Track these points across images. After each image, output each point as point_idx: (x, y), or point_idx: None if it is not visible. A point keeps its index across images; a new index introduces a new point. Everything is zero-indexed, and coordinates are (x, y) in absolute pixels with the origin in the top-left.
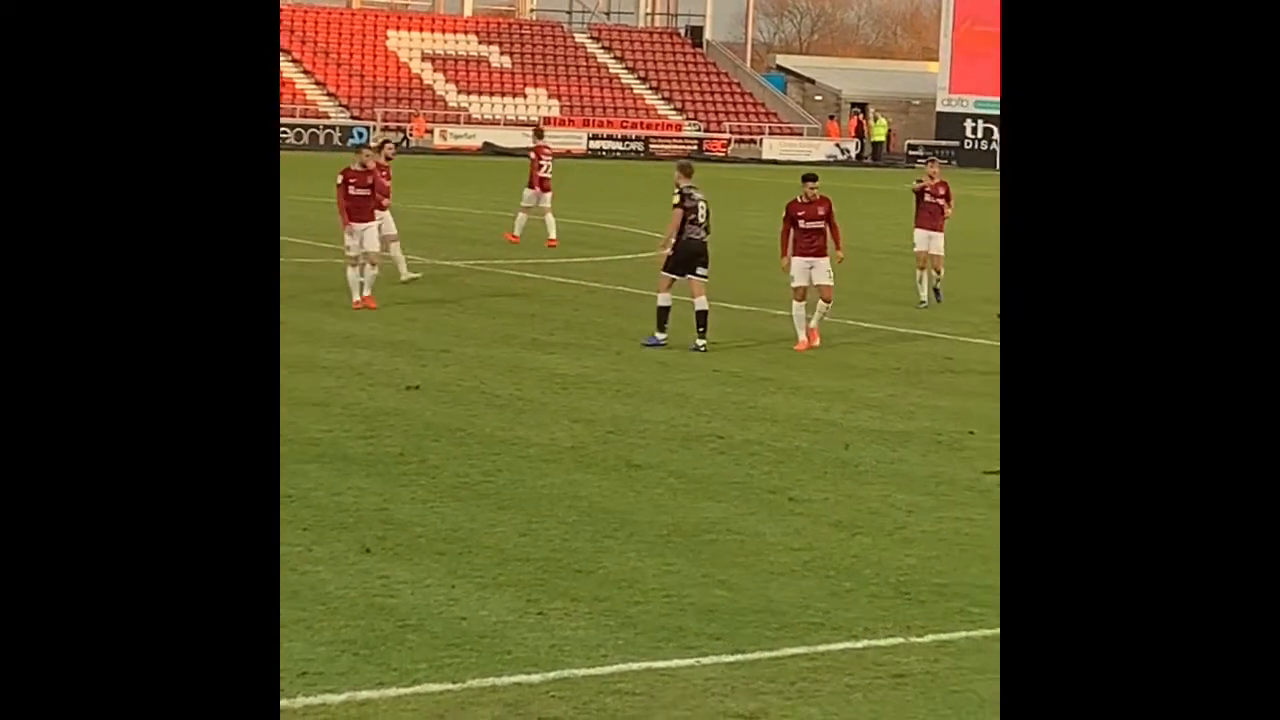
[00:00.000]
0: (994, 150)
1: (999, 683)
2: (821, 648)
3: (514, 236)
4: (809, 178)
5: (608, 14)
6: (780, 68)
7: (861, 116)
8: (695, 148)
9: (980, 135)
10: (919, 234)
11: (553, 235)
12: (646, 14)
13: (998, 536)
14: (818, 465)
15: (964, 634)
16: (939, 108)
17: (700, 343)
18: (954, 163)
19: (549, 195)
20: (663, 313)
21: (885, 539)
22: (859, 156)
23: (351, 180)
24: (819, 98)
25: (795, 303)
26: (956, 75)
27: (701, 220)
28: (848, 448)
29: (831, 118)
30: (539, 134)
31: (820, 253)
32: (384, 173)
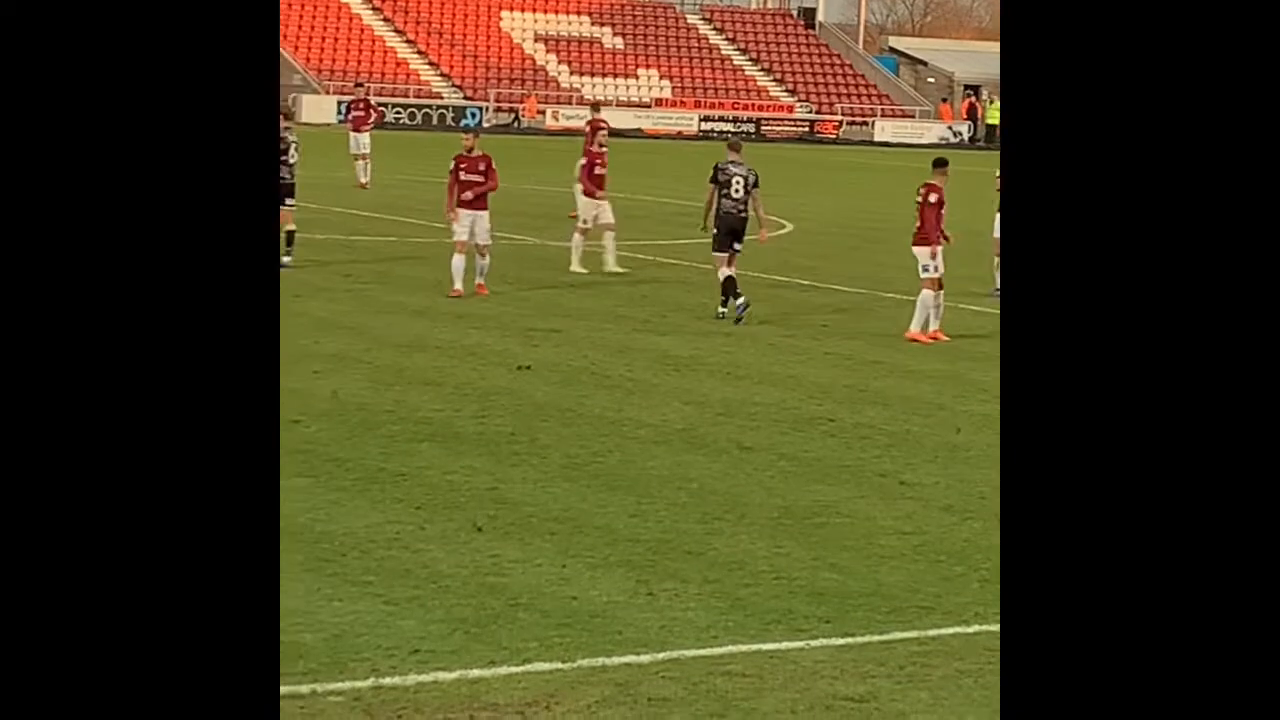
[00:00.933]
0: None
1: None
2: (932, 632)
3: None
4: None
5: None
6: (893, 49)
7: (975, 99)
8: (806, 130)
9: None
10: (999, 220)
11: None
12: None
13: None
14: (929, 449)
15: None
16: None
17: (722, 310)
18: None
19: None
20: (727, 284)
21: (996, 524)
22: (972, 139)
23: (463, 166)
24: (932, 80)
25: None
26: None
27: (737, 194)
28: (959, 432)
29: (944, 100)
30: (595, 109)
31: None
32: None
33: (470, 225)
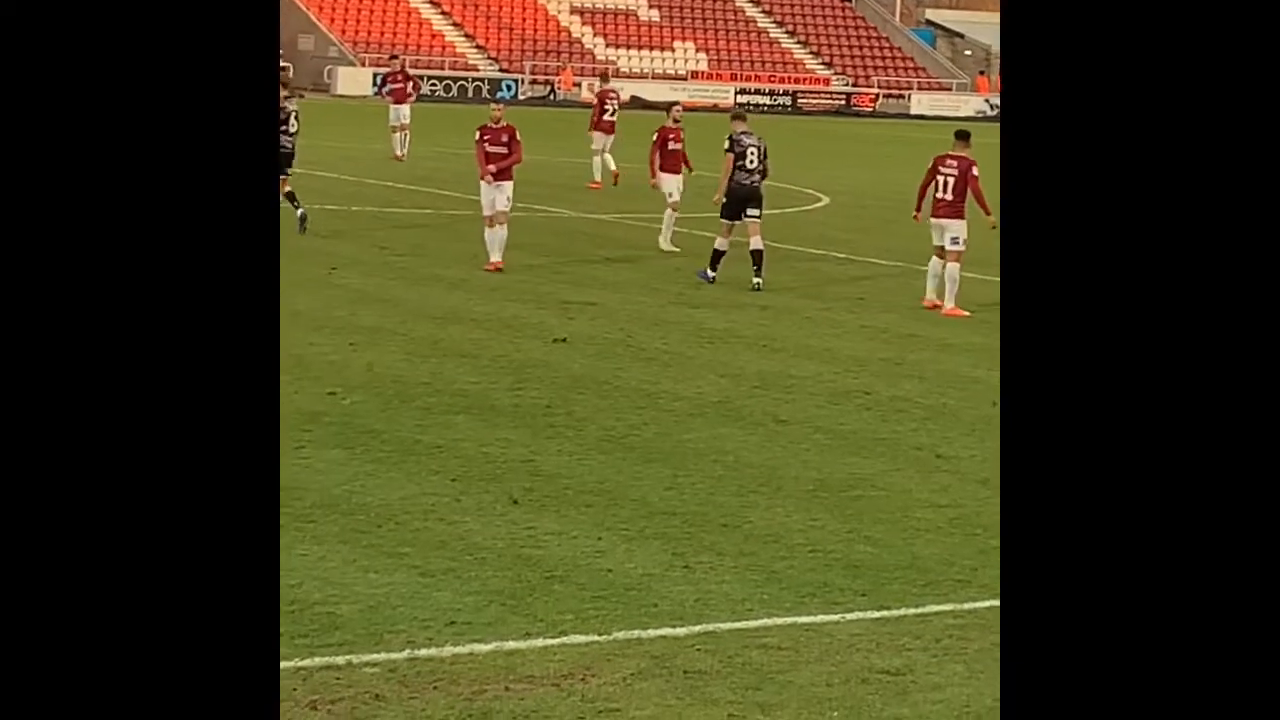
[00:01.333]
0: None
1: None
2: (967, 605)
3: (597, 184)
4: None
5: None
6: (930, 22)
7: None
8: (843, 103)
9: None
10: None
11: (597, 178)
12: None
13: None
14: (965, 423)
15: None
16: None
17: (757, 280)
18: None
19: (611, 139)
20: (717, 255)
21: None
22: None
23: (487, 137)
24: (969, 52)
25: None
26: None
27: (752, 165)
28: (995, 405)
29: (982, 73)
30: (604, 78)
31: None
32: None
33: (494, 197)
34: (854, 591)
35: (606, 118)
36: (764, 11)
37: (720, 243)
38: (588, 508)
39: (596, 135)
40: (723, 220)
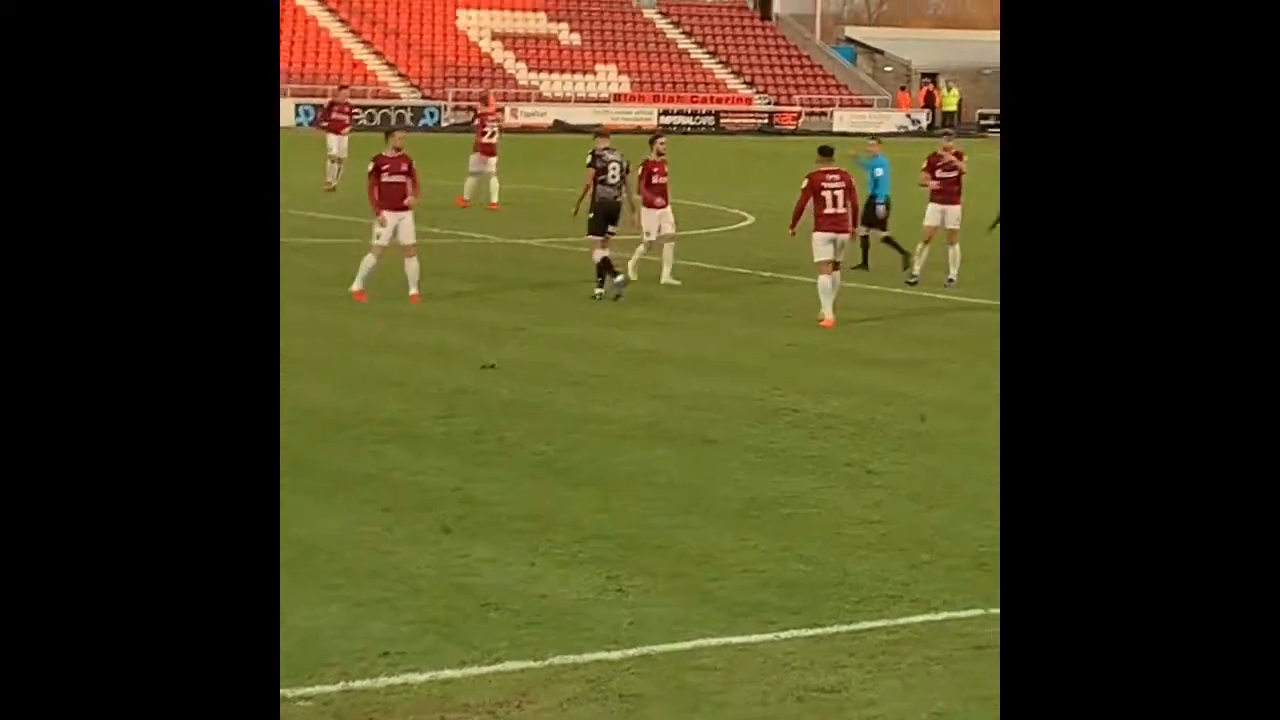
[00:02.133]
0: None
1: None
2: (901, 620)
3: (464, 201)
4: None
5: None
6: (850, 39)
7: (932, 86)
8: (766, 121)
9: None
10: (931, 209)
11: (495, 199)
12: None
13: None
14: (894, 438)
15: None
16: None
17: (599, 291)
18: None
19: (494, 160)
20: (604, 265)
21: (963, 511)
22: (930, 126)
23: (385, 166)
24: (889, 69)
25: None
26: None
27: (613, 180)
28: (924, 420)
29: (902, 88)
30: (484, 100)
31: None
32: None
33: (394, 227)
34: (787, 610)
35: (486, 140)
36: (685, 33)
37: (598, 254)
38: (520, 533)
39: (475, 158)
40: (591, 236)
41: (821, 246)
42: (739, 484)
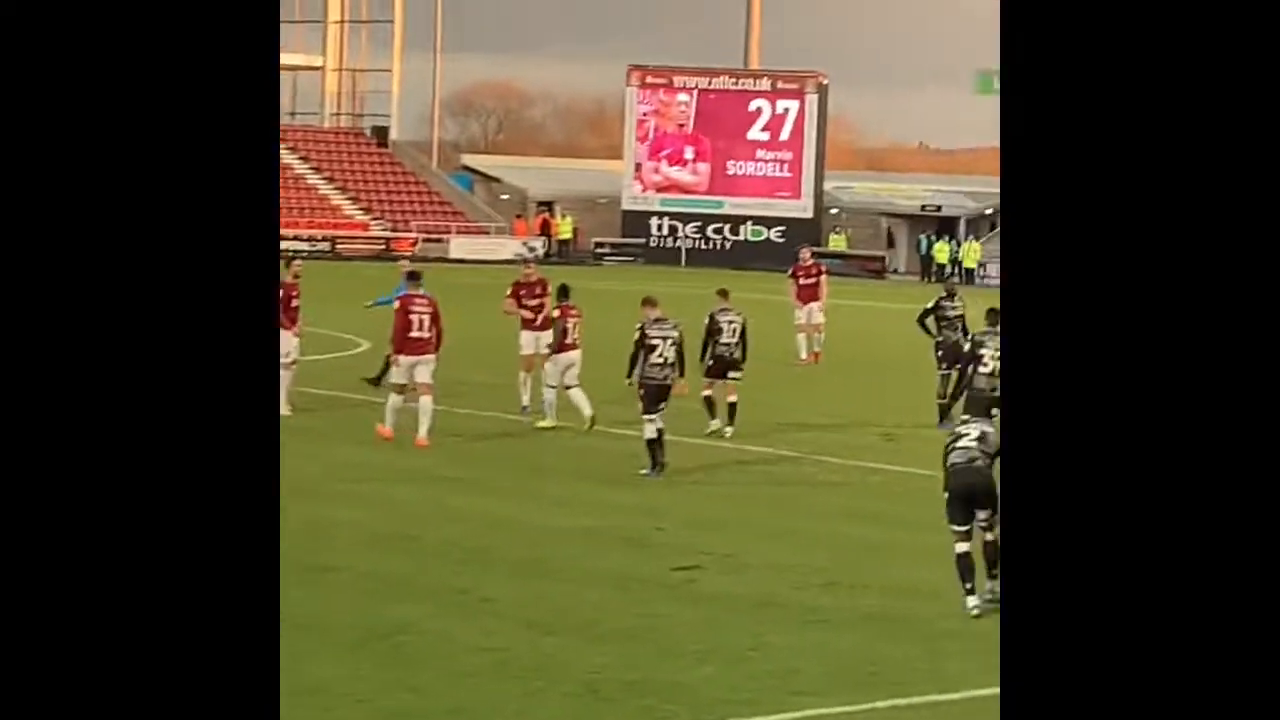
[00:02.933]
0: (679, 247)
1: None
2: None
3: None
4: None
5: (292, 114)
6: (466, 167)
7: (548, 214)
8: (383, 247)
9: (666, 232)
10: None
11: None
12: (332, 114)
13: (687, 631)
14: (509, 564)
15: None
16: (625, 205)
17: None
18: (640, 260)
19: None
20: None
21: (576, 637)
22: (546, 254)
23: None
24: (505, 196)
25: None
26: (643, 173)
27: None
28: (538, 546)
29: (518, 216)
30: None
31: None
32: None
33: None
34: None
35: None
36: (301, 158)
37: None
38: None
39: None
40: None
41: (402, 371)
42: (353, 612)
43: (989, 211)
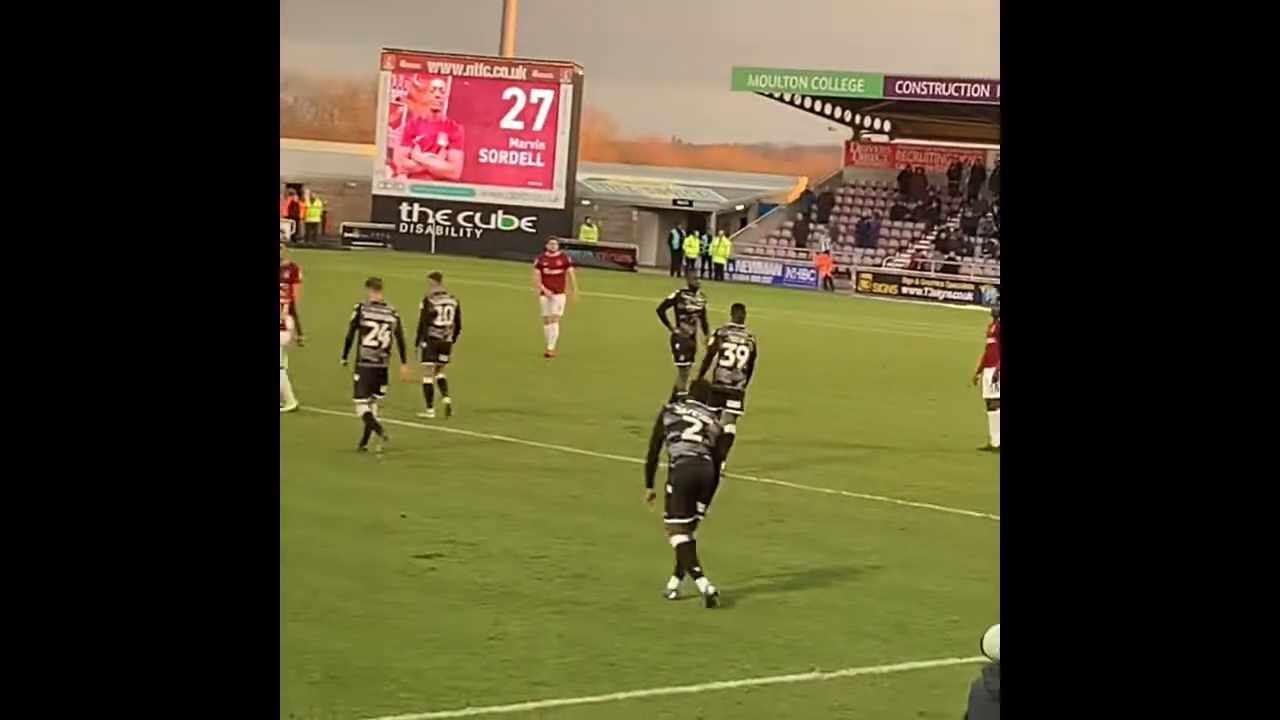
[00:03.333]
0: (429, 234)
1: None
2: None
3: None
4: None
5: None
6: None
7: (296, 197)
8: None
9: (416, 219)
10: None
11: None
12: None
13: (425, 619)
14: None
15: (392, 718)
16: (375, 190)
17: None
18: (389, 246)
19: None
20: None
21: (317, 624)
22: (294, 237)
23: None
24: None
25: None
26: (394, 158)
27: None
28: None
29: None
30: None
31: None
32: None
33: None
34: None
35: None
36: None
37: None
38: None
39: None
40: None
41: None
42: None
43: (740, 207)
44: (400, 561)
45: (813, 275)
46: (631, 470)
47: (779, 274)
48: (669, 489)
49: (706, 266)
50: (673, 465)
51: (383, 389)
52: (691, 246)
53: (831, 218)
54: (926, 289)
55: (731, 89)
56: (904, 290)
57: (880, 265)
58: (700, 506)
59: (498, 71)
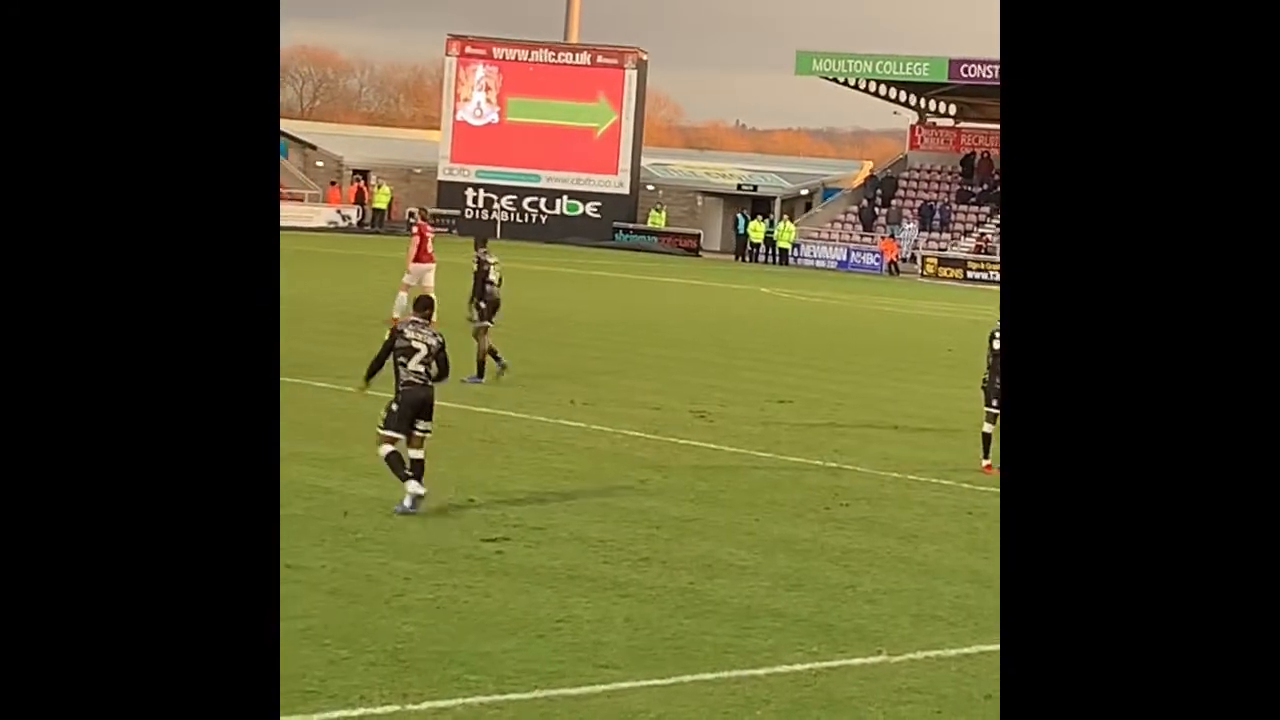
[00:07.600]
0: (495, 220)
1: None
2: (316, 716)
3: None
4: None
5: None
6: (282, 133)
7: (363, 183)
8: None
9: (481, 205)
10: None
11: None
12: None
13: (492, 602)
14: (315, 533)
15: (460, 701)
16: (440, 176)
17: None
18: (454, 231)
19: None
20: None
21: (383, 606)
22: (360, 223)
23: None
24: (320, 164)
25: None
26: (458, 144)
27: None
28: (346, 515)
29: (333, 184)
30: None
31: None
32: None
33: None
34: None
35: None
36: None
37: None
38: None
39: None
40: None
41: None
42: None
43: (804, 192)
44: (468, 545)
45: (877, 260)
46: (698, 455)
47: (844, 258)
48: (394, 405)
49: (771, 251)
50: (401, 387)
51: (421, 424)
52: (756, 231)
53: (895, 201)
54: (992, 273)
55: (795, 73)
56: (969, 275)
57: (946, 250)
58: (421, 424)
59: (562, 58)
